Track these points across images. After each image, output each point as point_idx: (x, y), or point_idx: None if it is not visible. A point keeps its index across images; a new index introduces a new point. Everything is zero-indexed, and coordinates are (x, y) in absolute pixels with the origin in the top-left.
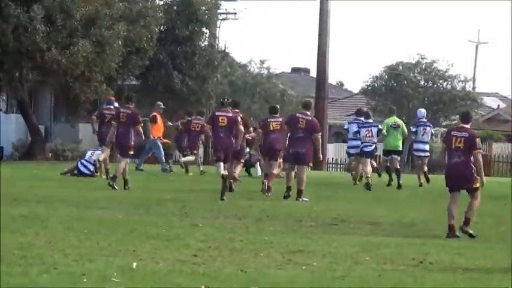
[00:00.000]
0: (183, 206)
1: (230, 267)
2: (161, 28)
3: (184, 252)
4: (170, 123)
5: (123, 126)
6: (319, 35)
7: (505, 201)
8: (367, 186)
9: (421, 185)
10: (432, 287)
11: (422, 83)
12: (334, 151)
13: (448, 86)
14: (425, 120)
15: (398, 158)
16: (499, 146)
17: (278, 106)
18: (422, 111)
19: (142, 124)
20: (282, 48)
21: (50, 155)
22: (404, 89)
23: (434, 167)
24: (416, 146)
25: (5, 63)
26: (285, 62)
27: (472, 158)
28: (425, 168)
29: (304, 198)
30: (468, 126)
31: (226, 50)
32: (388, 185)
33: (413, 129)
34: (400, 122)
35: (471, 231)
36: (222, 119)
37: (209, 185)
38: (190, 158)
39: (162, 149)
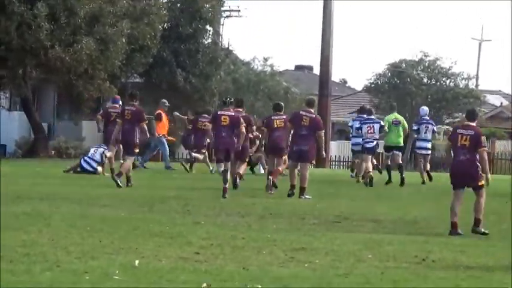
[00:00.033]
0: (185, 204)
1: (232, 265)
2: (165, 26)
3: (186, 250)
4: (177, 114)
5: (128, 124)
6: (323, 32)
7: (506, 199)
8: (370, 181)
9: (423, 182)
10: (435, 285)
11: (425, 80)
12: (337, 149)
13: (451, 83)
14: (428, 118)
15: (400, 154)
16: (501, 144)
17: (282, 103)
18: (424, 109)
19: (147, 121)
20: (286, 46)
21: (53, 152)
22: (407, 87)
23: (437, 164)
24: (418, 144)
25: (8, 61)
26: (288, 59)
27: (477, 156)
28: (428, 166)
29: (307, 196)
30: (474, 124)
31: (230, 48)
32: (387, 183)
33: (415, 127)
34: (400, 118)
35: (483, 230)
36: (224, 119)
37: (212, 182)
38: (200, 156)
39: (167, 147)
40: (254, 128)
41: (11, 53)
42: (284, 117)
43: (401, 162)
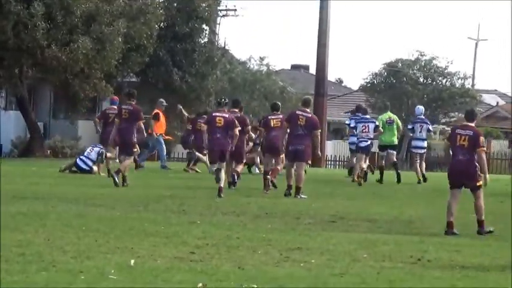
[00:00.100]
0: (181, 203)
1: (228, 265)
2: (161, 25)
3: (182, 250)
4: (180, 106)
5: (125, 123)
6: (319, 32)
7: (502, 199)
8: (364, 176)
9: (419, 182)
10: (430, 285)
11: (421, 80)
12: (333, 148)
13: (447, 83)
14: (423, 117)
15: (395, 153)
16: (498, 143)
17: (279, 103)
18: (420, 108)
19: (144, 120)
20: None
21: (49, 152)
22: (403, 86)
23: (433, 164)
24: (414, 143)
25: (4, 60)
26: (284, 59)
27: (476, 156)
28: (424, 165)
29: (302, 196)
30: (473, 124)
31: (226, 47)
32: (379, 181)
33: (410, 127)
34: (394, 117)
35: (489, 229)
36: (219, 120)
37: (207, 182)
38: (203, 156)
39: (164, 146)
40: (249, 128)
41: (7, 52)
42: (281, 116)
43: (395, 160)
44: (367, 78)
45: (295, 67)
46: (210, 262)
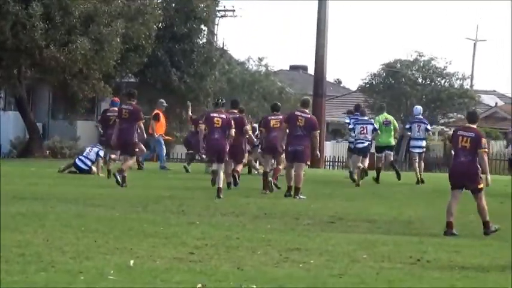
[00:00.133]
0: (180, 204)
1: (227, 265)
2: (159, 25)
3: (181, 250)
4: (189, 103)
5: (126, 123)
6: (317, 32)
7: (501, 199)
8: (364, 173)
9: (418, 181)
10: (429, 285)
11: (420, 80)
12: (331, 149)
13: (446, 83)
14: (421, 117)
15: (392, 153)
16: (497, 144)
17: (279, 104)
18: (418, 108)
19: (144, 120)
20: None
21: (47, 152)
22: (402, 87)
23: (431, 165)
24: (412, 142)
25: (3, 61)
26: (283, 59)
27: (477, 158)
28: (422, 165)
29: (301, 196)
30: (475, 126)
31: (225, 48)
32: (375, 180)
33: (408, 126)
34: (390, 118)
35: (495, 227)
36: (217, 120)
37: (207, 183)
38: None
39: (164, 147)
40: (248, 128)
41: (6, 52)
42: (280, 117)
43: (392, 159)
44: (365, 79)
45: (293, 68)
46: (209, 263)
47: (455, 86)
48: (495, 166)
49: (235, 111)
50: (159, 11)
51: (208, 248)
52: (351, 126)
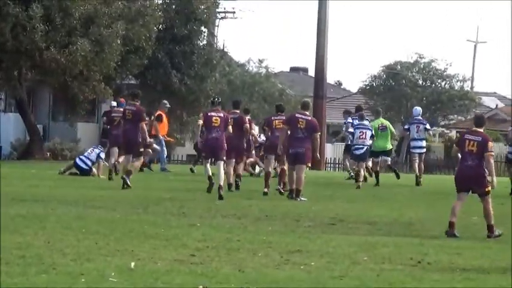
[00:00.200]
0: (181, 206)
1: (228, 267)
2: (160, 27)
3: (182, 252)
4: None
5: (129, 124)
6: (318, 34)
7: (502, 201)
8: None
9: (419, 184)
10: (430, 287)
11: (420, 82)
12: (332, 151)
13: (446, 85)
14: (420, 118)
15: (389, 159)
16: (497, 146)
17: (283, 105)
18: (417, 109)
19: (147, 121)
20: (281, 48)
21: (48, 154)
22: (402, 89)
23: (432, 166)
24: (412, 143)
25: (3, 62)
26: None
27: (484, 162)
28: (422, 166)
29: (302, 198)
30: (482, 130)
31: (225, 49)
32: (376, 184)
33: (406, 127)
34: (386, 123)
35: (498, 232)
36: (215, 119)
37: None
38: None
39: (165, 148)
40: (247, 126)
41: (6, 54)
42: (283, 118)
43: (389, 163)
44: (366, 81)
45: (294, 69)
46: (210, 265)
47: (456, 87)
48: (496, 168)
49: (237, 111)
50: (160, 13)
51: (209, 250)
52: (350, 130)
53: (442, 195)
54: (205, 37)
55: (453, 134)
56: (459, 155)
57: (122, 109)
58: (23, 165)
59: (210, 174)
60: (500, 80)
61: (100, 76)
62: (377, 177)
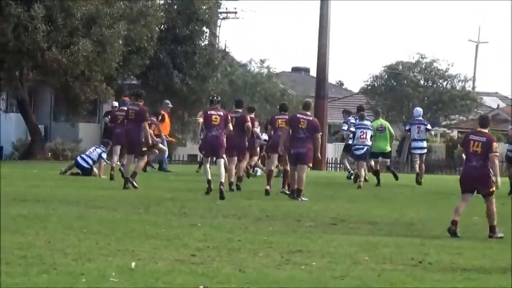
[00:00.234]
0: (182, 206)
1: (229, 267)
2: (161, 27)
3: (183, 252)
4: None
5: (132, 124)
6: (319, 34)
7: (502, 201)
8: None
9: (420, 183)
10: (431, 287)
11: (422, 82)
12: (333, 151)
13: (448, 85)
14: (421, 118)
15: (388, 160)
16: (500, 146)
17: (287, 103)
18: (418, 110)
19: (149, 121)
20: (282, 48)
21: (49, 154)
22: (404, 89)
23: (433, 167)
24: (413, 144)
25: (5, 63)
26: (285, 61)
27: (489, 163)
28: (423, 167)
29: (303, 198)
30: (486, 130)
31: (227, 49)
32: (377, 185)
33: (407, 128)
34: (385, 124)
35: (500, 234)
36: (215, 118)
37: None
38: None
39: (166, 148)
40: (249, 124)
41: (8, 54)
42: (286, 117)
43: (388, 165)
44: (367, 81)
45: (295, 69)
46: (211, 265)
47: (457, 88)
48: (499, 168)
49: (239, 110)
50: (161, 13)
51: (210, 250)
52: (352, 129)
53: (443, 195)
54: (207, 37)
55: (455, 134)
56: (463, 155)
57: (125, 108)
58: (25, 166)
59: (210, 177)
60: (501, 80)
61: (102, 76)
62: (378, 177)
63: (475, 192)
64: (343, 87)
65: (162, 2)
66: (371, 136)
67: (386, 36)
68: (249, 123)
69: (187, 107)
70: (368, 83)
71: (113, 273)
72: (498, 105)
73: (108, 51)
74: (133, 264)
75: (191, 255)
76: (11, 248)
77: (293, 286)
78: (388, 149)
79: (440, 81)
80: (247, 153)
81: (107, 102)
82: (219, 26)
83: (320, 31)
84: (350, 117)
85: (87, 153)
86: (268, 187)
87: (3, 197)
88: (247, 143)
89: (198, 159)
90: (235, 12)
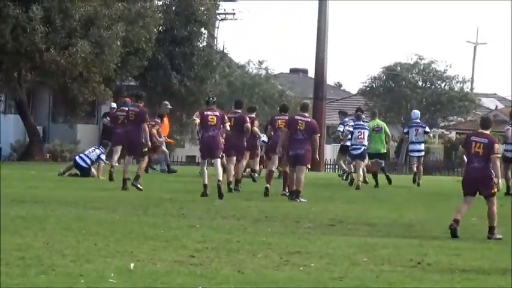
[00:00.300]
0: (180, 207)
1: (227, 268)
2: (160, 29)
3: (182, 253)
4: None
5: (132, 125)
6: (318, 35)
7: (501, 202)
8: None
9: (418, 184)
10: None
11: (420, 83)
12: (332, 152)
13: (446, 86)
14: (419, 121)
15: (383, 162)
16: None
17: (287, 105)
18: (416, 112)
19: (149, 122)
20: (280, 49)
21: (48, 155)
22: (402, 90)
23: (431, 168)
24: (410, 147)
25: (3, 64)
26: (283, 62)
27: (490, 164)
28: (421, 169)
29: (302, 199)
30: (488, 132)
31: (225, 51)
32: (375, 186)
33: (405, 130)
34: (382, 124)
35: (499, 236)
36: (211, 118)
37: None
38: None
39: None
40: (248, 125)
41: (6, 55)
42: (286, 118)
43: (383, 166)
44: (366, 82)
45: (294, 71)
46: (210, 266)
47: (456, 89)
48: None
49: (239, 111)
50: (160, 14)
51: (209, 251)
52: (350, 129)
53: (442, 196)
54: (205, 38)
55: (453, 135)
56: (465, 157)
57: (126, 108)
58: (23, 167)
59: (206, 182)
60: (500, 81)
61: (100, 78)
62: (376, 179)
63: (477, 193)
64: (342, 88)
65: (160, 3)
66: (368, 136)
67: (384, 38)
68: (248, 124)
69: (186, 108)
70: (366, 84)
71: (112, 274)
72: (496, 107)
73: (106, 53)
74: (132, 265)
75: (190, 256)
76: (9, 249)
77: (292, 287)
78: (383, 150)
79: (439, 82)
80: (247, 153)
81: (105, 103)
82: (217, 27)
83: (318, 33)
84: (346, 118)
85: (86, 152)
86: (268, 185)
87: (1, 198)
88: (246, 143)
89: (197, 161)
90: (234, 14)
